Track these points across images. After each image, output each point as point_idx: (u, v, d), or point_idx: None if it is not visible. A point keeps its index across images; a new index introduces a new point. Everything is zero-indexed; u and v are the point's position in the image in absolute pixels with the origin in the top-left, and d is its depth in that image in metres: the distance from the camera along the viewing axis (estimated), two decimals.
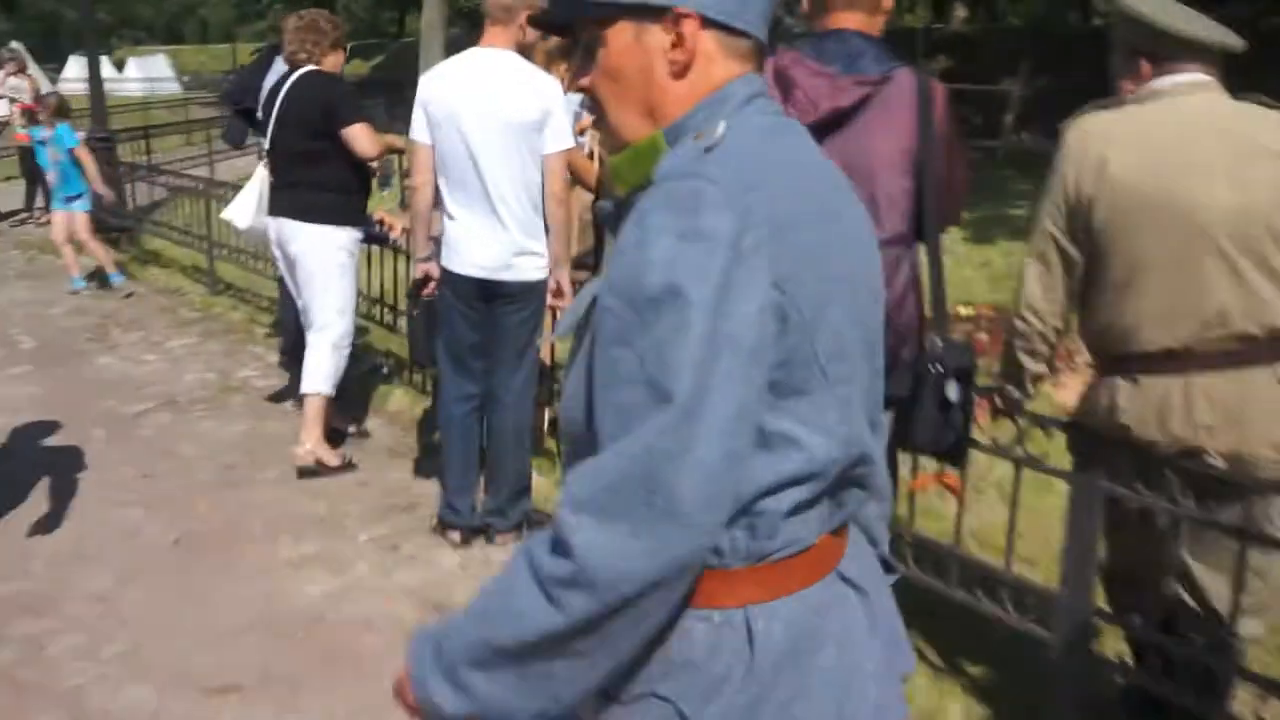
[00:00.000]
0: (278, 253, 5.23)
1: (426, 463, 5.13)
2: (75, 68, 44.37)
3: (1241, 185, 2.39)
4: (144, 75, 47.26)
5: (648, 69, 1.31)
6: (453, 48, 5.50)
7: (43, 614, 3.82)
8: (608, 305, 1.19)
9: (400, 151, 5.24)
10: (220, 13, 78.31)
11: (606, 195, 1.36)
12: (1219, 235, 2.39)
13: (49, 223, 10.48)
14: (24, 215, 12.56)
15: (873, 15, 2.78)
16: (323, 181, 4.83)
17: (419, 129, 4.10)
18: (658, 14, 1.29)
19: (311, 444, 5.04)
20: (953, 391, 2.70)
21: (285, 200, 4.98)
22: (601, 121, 1.38)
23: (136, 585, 4.02)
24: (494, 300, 4.09)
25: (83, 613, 3.83)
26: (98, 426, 5.73)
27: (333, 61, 5.02)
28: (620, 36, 1.33)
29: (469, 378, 4.26)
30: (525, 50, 4.08)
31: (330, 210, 4.92)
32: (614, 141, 1.38)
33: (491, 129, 3.93)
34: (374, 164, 5.04)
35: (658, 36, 1.30)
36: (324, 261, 4.95)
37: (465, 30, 34.98)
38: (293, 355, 6.39)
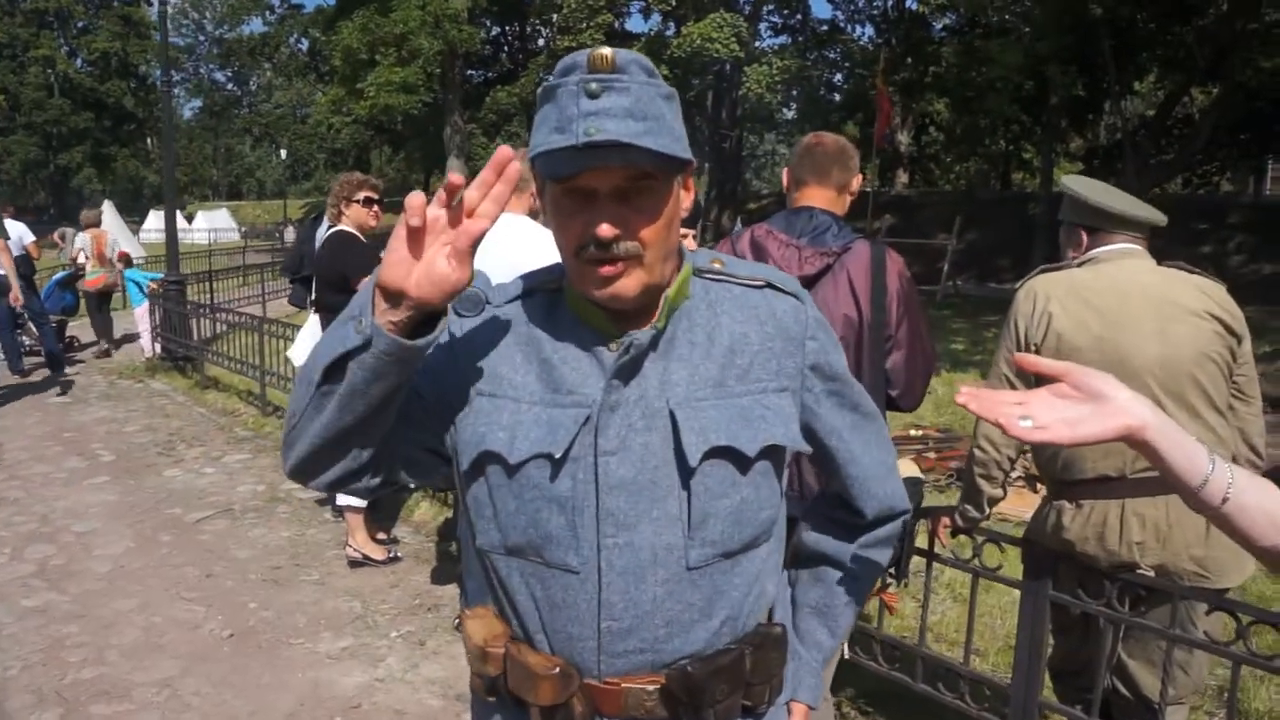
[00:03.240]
0: None
1: (449, 567, 5.08)
2: (154, 220, 45.22)
3: (1166, 339, 2.46)
4: (209, 226, 48.05)
5: (677, 215, 1.27)
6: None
7: (118, 698, 3.74)
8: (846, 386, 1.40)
9: None
10: (274, 173, 79.94)
11: (626, 328, 1.24)
12: (1149, 380, 2.45)
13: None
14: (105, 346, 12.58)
15: (840, 195, 2.83)
16: None
17: None
18: (685, 164, 1.25)
19: (356, 543, 5.11)
20: None
21: None
22: (632, 269, 1.22)
23: (198, 674, 3.93)
24: None
25: (152, 698, 3.74)
26: (165, 531, 5.67)
27: (353, 215, 4.97)
28: (675, 186, 1.26)
29: None
30: (535, 215, 4.14)
31: None
32: (643, 285, 1.23)
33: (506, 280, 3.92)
34: None
35: (677, 185, 1.27)
36: None
37: None
38: None
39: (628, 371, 1.26)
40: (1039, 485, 5.86)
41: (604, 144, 1.15)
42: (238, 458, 7.44)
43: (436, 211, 1.15)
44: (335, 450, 1.24)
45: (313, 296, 5.21)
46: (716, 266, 1.37)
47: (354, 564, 5.14)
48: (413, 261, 1.15)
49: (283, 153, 63.15)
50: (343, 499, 5.05)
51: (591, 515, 1.25)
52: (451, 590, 4.79)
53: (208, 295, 13.98)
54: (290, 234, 42.74)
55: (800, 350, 1.35)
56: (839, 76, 31.63)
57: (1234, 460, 2.57)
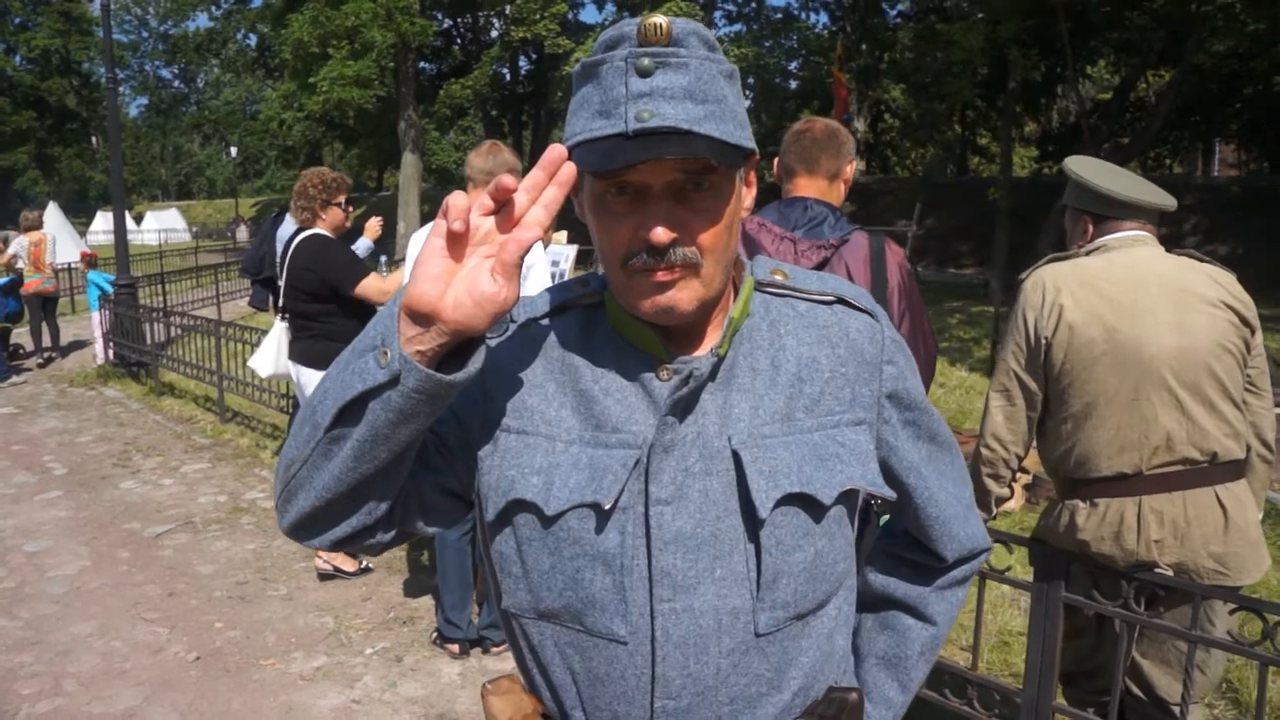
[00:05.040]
0: (300, 395, 5.03)
1: (422, 577, 4.91)
2: (101, 222, 44.37)
3: (1182, 329, 2.37)
4: (159, 227, 47.30)
5: (739, 216, 1.10)
6: (426, 199, 5.36)
7: None
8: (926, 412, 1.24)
9: None
10: (224, 172, 78.68)
11: (678, 351, 1.05)
12: (1165, 373, 2.35)
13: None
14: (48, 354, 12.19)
15: (832, 184, 2.72)
16: (329, 332, 4.62)
17: None
18: (749, 154, 1.07)
19: (326, 555, 4.93)
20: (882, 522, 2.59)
21: (299, 349, 4.77)
22: (687, 279, 1.04)
23: (162, 702, 3.72)
24: None
25: None
26: (123, 548, 5.43)
27: (331, 218, 4.73)
28: (737, 181, 1.08)
29: None
30: None
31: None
32: (699, 299, 1.06)
33: None
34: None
35: (740, 180, 1.09)
36: None
37: (435, 184, 35.33)
38: None
39: (684, 406, 1.08)
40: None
41: (659, 131, 0.98)
42: (197, 467, 7.19)
43: (479, 219, 0.98)
44: (348, 504, 1.06)
45: (280, 302, 4.98)
46: (779, 279, 1.18)
47: (324, 577, 4.96)
48: (450, 277, 0.97)
49: (233, 150, 62.05)
50: None
51: (642, 575, 1.07)
52: (427, 602, 4.63)
53: (160, 298, 13.62)
54: (243, 233, 42.14)
55: (877, 376, 1.17)
56: (795, 64, 31.59)
57: (1246, 454, 2.49)
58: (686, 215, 1.02)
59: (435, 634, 4.20)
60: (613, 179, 1.02)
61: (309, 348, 4.69)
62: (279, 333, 4.89)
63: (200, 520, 5.94)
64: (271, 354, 4.95)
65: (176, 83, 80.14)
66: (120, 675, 3.95)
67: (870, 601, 1.35)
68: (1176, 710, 2.54)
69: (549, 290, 1.20)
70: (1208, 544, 2.40)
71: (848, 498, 1.14)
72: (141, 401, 9.64)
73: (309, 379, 4.71)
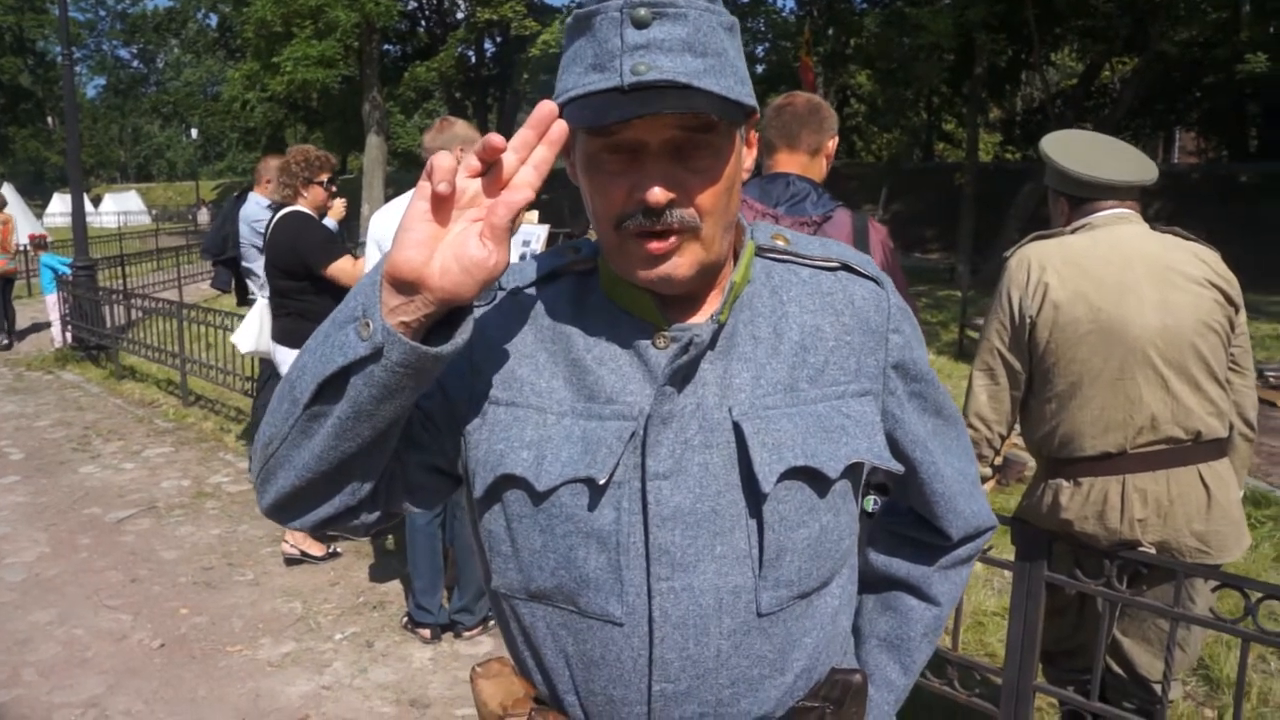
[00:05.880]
0: (280, 373, 4.94)
1: (391, 561, 4.83)
2: (59, 204, 43.54)
3: (1168, 309, 2.34)
4: (118, 209, 46.55)
5: (739, 177, 1.04)
6: (390, 182, 5.31)
7: None
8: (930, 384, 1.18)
9: None
10: (184, 154, 77.49)
11: (675, 318, 1.00)
12: (1150, 351, 2.33)
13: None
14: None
15: (814, 159, 2.67)
16: (305, 311, 4.53)
17: (374, 263, 3.82)
18: (750, 112, 1.02)
19: (294, 539, 4.84)
20: (870, 504, 2.55)
21: (279, 328, 4.71)
22: (687, 244, 0.99)
23: (127, 690, 3.63)
24: None
25: None
26: (84, 534, 5.31)
27: (312, 197, 4.66)
28: (737, 140, 1.02)
29: None
30: None
31: None
32: (699, 264, 1.01)
33: None
34: None
35: (740, 139, 1.04)
36: None
37: (400, 167, 34.95)
38: None
39: (683, 375, 1.03)
40: None
41: (656, 85, 0.92)
42: (159, 451, 7.06)
43: (466, 181, 0.92)
44: (330, 484, 1.01)
45: (262, 280, 4.90)
46: (780, 244, 1.13)
47: (291, 561, 4.87)
48: (436, 242, 0.92)
49: (194, 132, 61.02)
50: None
51: (639, 553, 1.02)
52: (396, 587, 4.56)
53: (120, 281, 13.36)
54: (204, 216, 41.48)
55: (883, 345, 1.12)
56: (761, 49, 31.56)
57: (1230, 433, 2.48)
58: (684, 175, 0.97)
59: (406, 619, 4.13)
60: (607, 136, 0.96)
61: (285, 325, 4.62)
62: (261, 309, 4.86)
63: (163, 505, 5.82)
64: (254, 331, 4.91)
65: (135, 63, 78.74)
66: (82, 664, 3.85)
67: (871, 581, 1.31)
68: (1157, 688, 2.54)
69: (538, 257, 1.14)
70: (1190, 522, 2.39)
71: (853, 471, 1.09)
72: (101, 385, 9.45)
73: (284, 357, 4.66)
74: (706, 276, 1.04)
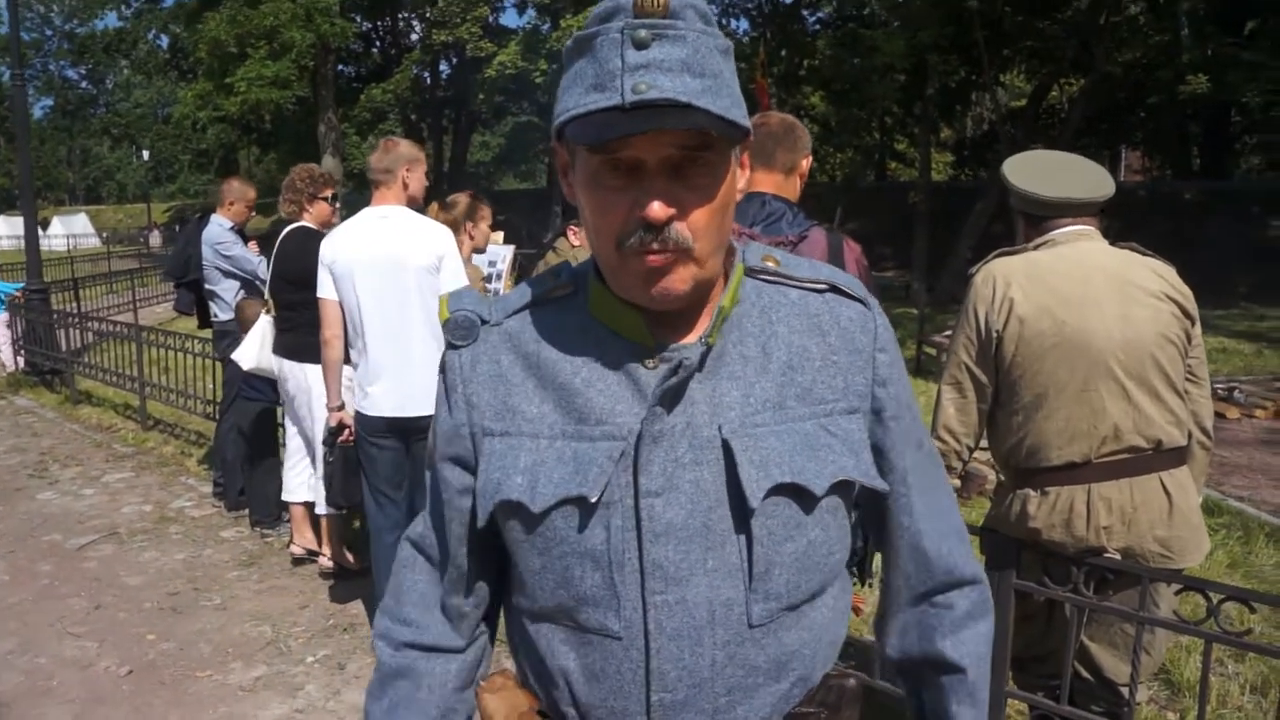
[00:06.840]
0: (282, 389, 4.96)
1: (360, 582, 4.81)
2: (3, 226, 42.75)
3: (1128, 322, 2.42)
4: (67, 232, 45.82)
5: (733, 198, 1.06)
6: (343, 204, 5.33)
7: None
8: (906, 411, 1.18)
9: None
10: (135, 175, 76.43)
11: (663, 338, 1.08)
12: (1112, 364, 2.41)
13: None
14: None
15: (788, 178, 2.72)
16: (312, 324, 4.54)
17: (325, 287, 3.82)
18: (745, 133, 1.03)
19: (300, 540, 5.14)
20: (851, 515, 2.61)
21: (285, 342, 4.74)
22: (682, 261, 1.01)
23: (95, 718, 3.58)
24: (409, 434, 3.75)
25: None
26: (44, 560, 5.22)
27: (317, 212, 4.80)
28: (732, 160, 1.05)
29: (395, 508, 3.91)
30: (414, 203, 3.91)
31: (318, 351, 4.65)
32: (693, 282, 1.03)
33: (390, 276, 3.68)
34: None
35: (734, 160, 1.06)
36: (316, 397, 4.60)
37: (355, 189, 34.81)
38: (227, 486, 6.03)
39: (673, 395, 1.06)
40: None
41: (656, 104, 0.95)
42: (119, 476, 6.96)
43: None
44: None
45: (268, 294, 4.94)
46: (771, 265, 1.16)
47: (298, 561, 5.11)
48: None
49: (144, 154, 60.33)
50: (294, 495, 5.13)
51: (634, 569, 1.05)
52: (366, 607, 4.53)
53: (74, 304, 13.17)
54: (156, 239, 40.97)
55: (869, 365, 1.14)
56: None
57: (1189, 442, 2.56)
58: (682, 193, 0.99)
59: None
60: (607, 154, 0.99)
61: (292, 340, 4.68)
62: (264, 326, 4.91)
63: (125, 530, 5.74)
64: (255, 347, 4.91)
65: (84, 84, 77.70)
66: (46, 693, 3.79)
67: (900, 669, 1.29)
68: (1124, 691, 2.61)
69: (518, 287, 1.17)
70: (1153, 529, 2.46)
71: (841, 488, 1.11)
72: (57, 410, 9.30)
73: (289, 371, 4.74)
74: (699, 295, 1.07)
